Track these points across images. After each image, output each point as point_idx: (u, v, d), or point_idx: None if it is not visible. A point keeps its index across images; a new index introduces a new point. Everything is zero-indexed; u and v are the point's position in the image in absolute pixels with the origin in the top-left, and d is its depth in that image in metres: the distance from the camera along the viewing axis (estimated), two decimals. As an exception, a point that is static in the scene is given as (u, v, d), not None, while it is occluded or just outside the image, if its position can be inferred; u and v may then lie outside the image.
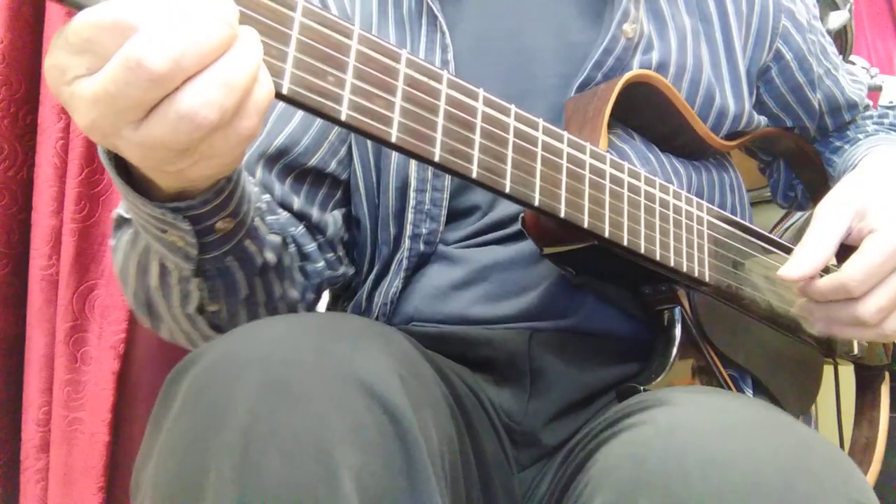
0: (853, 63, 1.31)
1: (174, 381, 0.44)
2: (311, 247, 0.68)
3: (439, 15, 0.71)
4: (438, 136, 0.46)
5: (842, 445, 0.91)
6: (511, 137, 0.50)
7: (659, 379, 0.63)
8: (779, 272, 0.63)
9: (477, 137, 0.48)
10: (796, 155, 0.93)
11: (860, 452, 0.87)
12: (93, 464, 1.05)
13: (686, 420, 0.46)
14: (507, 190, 0.49)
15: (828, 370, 0.92)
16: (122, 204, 0.55)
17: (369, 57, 0.43)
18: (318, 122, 0.70)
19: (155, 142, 0.35)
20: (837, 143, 0.91)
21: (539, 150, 0.52)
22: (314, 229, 0.70)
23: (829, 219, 0.64)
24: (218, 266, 0.55)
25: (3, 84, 1.05)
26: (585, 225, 0.54)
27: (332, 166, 0.71)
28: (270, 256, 0.60)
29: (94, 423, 1.06)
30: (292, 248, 0.67)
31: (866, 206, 0.65)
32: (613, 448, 0.48)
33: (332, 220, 0.71)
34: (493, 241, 0.69)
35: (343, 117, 0.41)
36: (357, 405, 0.42)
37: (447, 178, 0.69)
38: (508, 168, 0.50)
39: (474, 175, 0.48)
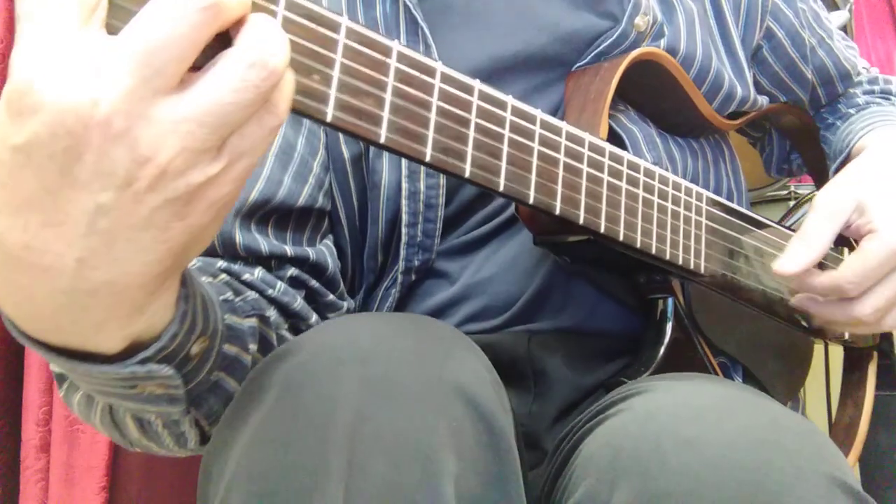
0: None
1: (264, 371, 0.43)
2: (297, 305, 0.60)
3: (423, 23, 0.63)
4: (430, 133, 0.43)
5: (830, 425, 0.91)
6: (507, 133, 0.48)
7: (648, 373, 0.62)
8: (773, 267, 0.63)
9: (471, 133, 0.46)
10: (799, 131, 0.91)
11: (843, 432, 0.88)
12: (95, 463, 1.05)
13: (661, 405, 0.46)
14: (502, 188, 0.47)
15: (818, 351, 0.92)
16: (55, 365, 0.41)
17: (358, 52, 0.40)
18: (298, 153, 0.62)
19: (213, 102, 0.30)
20: (831, 120, 0.89)
21: (536, 146, 0.50)
22: (313, 270, 0.62)
23: (827, 212, 0.64)
24: (206, 386, 0.48)
25: (3, 84, 1.00)
26: (581, 221, 0.53)
27: (320, 201, 0.64)
28: (254, 347, 0.53)
29: (96, 423, 1.05)
30: (273, 317, 0.58)
31: (866, 200, 0.64)
32: (595, 438, 0.48)
33: (327, 250, 0.64)
34: (487, 234, 0.67)
35: (329, 118, 0.38)
36: (456, 410, 0.41)
37: (440, 209, 0.65)
38: (503, 165, 0.47)
39: (467, 174, 0.45)
